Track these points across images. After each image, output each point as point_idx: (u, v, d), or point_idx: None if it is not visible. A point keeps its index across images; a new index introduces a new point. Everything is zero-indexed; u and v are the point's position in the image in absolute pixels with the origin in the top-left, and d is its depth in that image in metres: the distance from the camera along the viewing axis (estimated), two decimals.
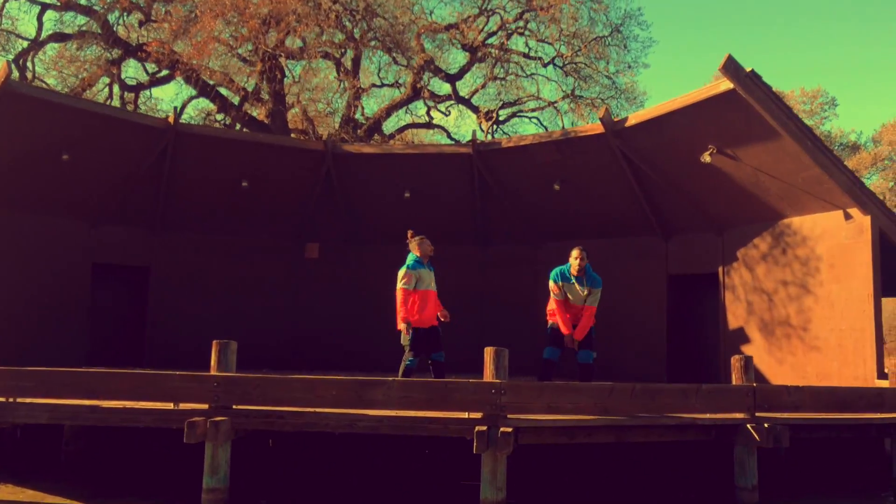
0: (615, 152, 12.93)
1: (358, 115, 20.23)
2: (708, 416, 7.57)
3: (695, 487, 8.46)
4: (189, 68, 16.47)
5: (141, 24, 18.18)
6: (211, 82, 17.93)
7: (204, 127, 17.60)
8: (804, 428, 7.86)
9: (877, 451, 9.06)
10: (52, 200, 13.22)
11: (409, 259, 8.88)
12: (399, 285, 8.65)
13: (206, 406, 7.17)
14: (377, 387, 7.06)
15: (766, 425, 7.37)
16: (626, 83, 20.49)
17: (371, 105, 21.65)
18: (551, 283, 9.38)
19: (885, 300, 11.22)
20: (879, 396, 8.39)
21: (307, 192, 15.05)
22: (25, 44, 18.69)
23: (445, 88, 20.80)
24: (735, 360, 7.82)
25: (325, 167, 14.66)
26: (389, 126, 22.20)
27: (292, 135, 19.77)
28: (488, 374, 7.07)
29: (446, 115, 22.51)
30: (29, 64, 18.74)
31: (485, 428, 6.76)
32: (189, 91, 19.98)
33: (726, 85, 10.53)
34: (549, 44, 19.44)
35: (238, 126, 18.65)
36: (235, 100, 19.12)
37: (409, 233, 9.11)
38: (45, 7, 18.51)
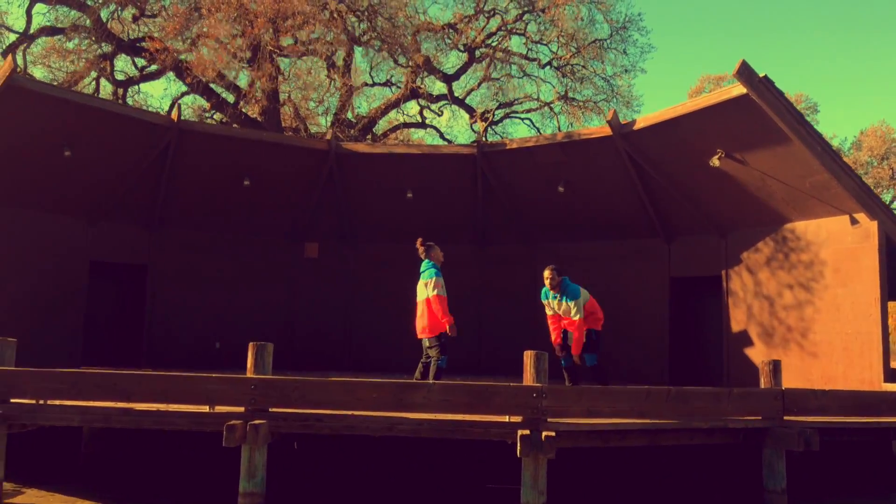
0: (621, 155, 13.03)
1: (349, 115, 20.13)
2: (740, 418, 7.66)
3: (720, 490, 8.57)
4: (186, 67, 16.25)
5: (135, 18, 17.89)
6: (204, 79, 17.70)
7: (207, 125, 17.37)
8: (830, 431, 7.98)
9: None
10: (50, 197, 13.02)
11: (432, 266, 9.06)
12: (436, 292, 8.81)
13: (241, 409, 7.09)
14: (417, 389, 7.05)
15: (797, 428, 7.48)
16: (623, 86, 20.63)
17: (362, 104, 21.53)
18: (542, 301, 10.05)
19: (888, 303, 11.43)
20: None
21: (308, 191, 14.97)
22: (14, 37, 18.29)
23: (440, 88, 20.80)
24: (763, 365, 7.93)
25: (329, 166, 14.60)
26: (381, 125, 22.12)
27: (285, 133, 19.58)
28: (528, 378, 7.09)
29: (439, 115, 22.51)
30: (19, 58, 18.32)
31: (528, 432, 6.77)
32: (180, 87, 19.77)
33: (739, 90, 10.66)
34: (546, 45, 19.54)
35: (234, 124, 18.45)
36: (229, 97, 18.90)
37: (419, 241, 9.29)
38: (34, 0, 18.14)
